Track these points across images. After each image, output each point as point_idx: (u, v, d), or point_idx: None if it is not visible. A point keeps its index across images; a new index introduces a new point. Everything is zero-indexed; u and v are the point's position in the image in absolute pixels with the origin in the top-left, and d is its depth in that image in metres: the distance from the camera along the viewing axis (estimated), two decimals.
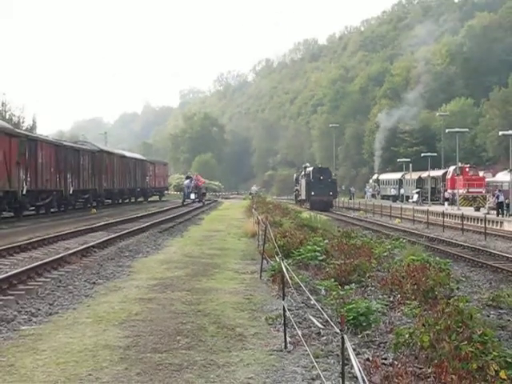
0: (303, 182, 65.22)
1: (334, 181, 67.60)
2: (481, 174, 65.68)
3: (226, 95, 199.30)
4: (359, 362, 3.95)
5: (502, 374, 8.03)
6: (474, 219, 41.96)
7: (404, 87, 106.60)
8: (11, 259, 16.21)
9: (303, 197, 63.80)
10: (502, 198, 47.16)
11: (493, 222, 40.54)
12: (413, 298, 12.48)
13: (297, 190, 74.04)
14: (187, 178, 62.78)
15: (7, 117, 54.63)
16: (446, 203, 61.23)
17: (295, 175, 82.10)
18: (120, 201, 54.91)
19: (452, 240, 32.84)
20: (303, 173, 68.50)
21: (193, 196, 53.87)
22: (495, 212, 45.11)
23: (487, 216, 41.08)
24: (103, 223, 28.10)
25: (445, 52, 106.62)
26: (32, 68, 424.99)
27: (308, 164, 76.36)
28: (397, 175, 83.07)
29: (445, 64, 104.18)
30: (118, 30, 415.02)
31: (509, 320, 14.88)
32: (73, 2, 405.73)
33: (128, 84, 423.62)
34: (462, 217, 41.13)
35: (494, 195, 49.87)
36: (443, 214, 45.83)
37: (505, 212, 45.19)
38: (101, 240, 20.42)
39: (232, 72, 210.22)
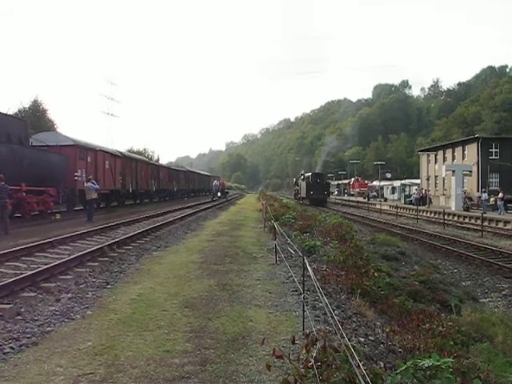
0: (303, 183, 43.74)
1: (328, 183, 46.48)
2: (366, 181, 65.91)
3: (247, 145, 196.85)
4: (311, 269, 3.96)
5: (375, 274, 8.14)
6: (363, 202, 41.81)
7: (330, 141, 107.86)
8: (147, 222, 16.25)
9: (303, 195, 43.12)
10: (372, 194, 49.32)
11: (372, 204, 40.38)
12: (335, 239, 12.49)
13: (296, 189, 51.00)
14: (215, 179, 47.39)
15: (146, 154, 54.60)
16: (346, 195, 62.70)
17: (294, 179, 57.68)
18: (198, 194, 54.46)
19: (353, 212, 32.63)
20: (302, 177, 46.71)
21: (219, 194, 37.56)
22: (369, 200, 46.43)
23: (370, 201, 41.23)
24: (188, 205, 27.79)
25: (349, 125, 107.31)
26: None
27: (303, 171, 52.32)
28: None
29: (349, 130, 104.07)
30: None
31: (378, 249, 14.87)
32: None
33: (198, 135, 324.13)
34: (358, 201, 41.28)
35: (369, 192, 51.58)
36: (349, 200, 45.91)
37: (376, 199, 47.01)
38: (188, 213, 20.29)
39: (250, 133, 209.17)
